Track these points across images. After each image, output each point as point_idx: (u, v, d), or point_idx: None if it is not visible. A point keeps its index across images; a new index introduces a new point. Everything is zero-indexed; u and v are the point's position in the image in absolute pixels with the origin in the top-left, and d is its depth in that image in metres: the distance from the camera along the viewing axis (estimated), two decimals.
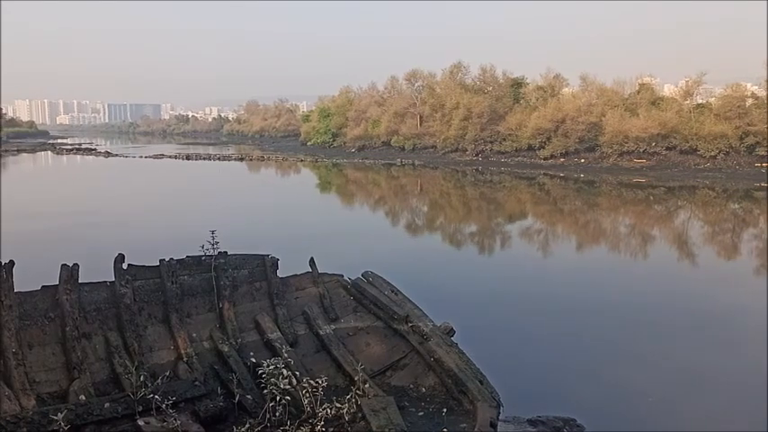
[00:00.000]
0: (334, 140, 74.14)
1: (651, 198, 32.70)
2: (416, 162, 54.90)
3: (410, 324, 7.74)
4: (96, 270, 7.63)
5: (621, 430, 7.73)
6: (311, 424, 6.65)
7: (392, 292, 8.37)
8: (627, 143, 47.77)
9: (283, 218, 25.07)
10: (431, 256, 18.40)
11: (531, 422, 7.90)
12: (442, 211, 29.94)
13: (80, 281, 7.15)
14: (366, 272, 8.76)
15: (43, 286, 6.97)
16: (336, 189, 40.38)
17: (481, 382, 6.91)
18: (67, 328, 6.80)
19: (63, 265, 7.05)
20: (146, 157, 63.23)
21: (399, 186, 40.95)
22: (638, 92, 53.30)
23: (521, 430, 7.72)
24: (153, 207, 28.18)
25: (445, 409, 6.82)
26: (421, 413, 7.02)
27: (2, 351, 6.37)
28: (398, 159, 57.01)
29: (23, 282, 6.88)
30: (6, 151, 75.66)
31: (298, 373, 7.02)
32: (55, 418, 5.42)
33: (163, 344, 7.37)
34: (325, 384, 6.89)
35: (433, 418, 6.89)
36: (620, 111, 49.54)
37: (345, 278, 8.78)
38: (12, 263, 6.67)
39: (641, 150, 47.42)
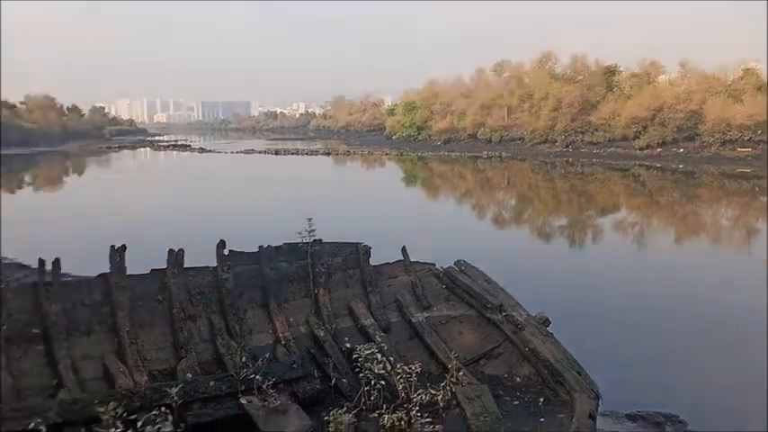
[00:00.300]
0: (419, 134, 74.16)
1: (756, 189, 30.99)
2: (503, 154, 54.19)
3: (504, 313, 7.68)
4: (199, 256, 7.95)
5: (724, 429, 7.39)
6: (406, 409, 6.71)
7: (485, 281, 8.32)
8: (730, 131, 45.42)
9: (371, 209, 25.34)
10: (520, 248, 18.14)
11: (631, 417, 7.68)
12: (531, 204, 29.45)
13: (185, 266, 7.47)
14: (458, 261, 8.74)
15: (152, 270, 7.34)
16: (422, 182, 40.40)
17: (579, 372, 6.78)
18: (174, 310, 7.14)
19: (170, 250, 7.40)
20: (237, 153, 65.25)
21: (486, 179, 40.56)
22: (742, 77, 50.54)
23: (620, 424, 7.52)
24: (247, 197, 29.07)
25: (542, 399, 6.74)
26: (516, 402, 6.96)
27: (117, 330, 6.77)
28: (485, 152, 56.43)
29: (134, 266, 7.28)
30: (109, 148, 79.85)
31: (392, 358, 7.09)
32: (169, 391, 5.71)
33: (262, 327, 7.62)
34: (419, 370, 6.94)
35: (529, 408, 6.82)
36: (723, 97, 47.12)
37: (437, 267, 8.79)
38: (124, 247, 7.06)
39: (746, 139, 44.96)
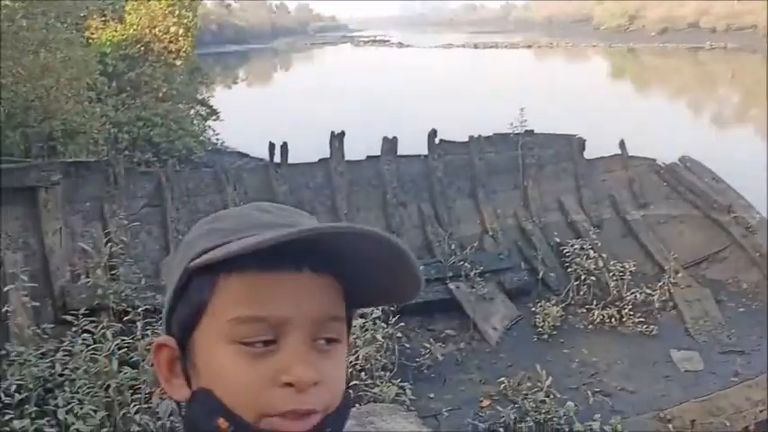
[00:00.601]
0: (630, 24, 68.33)
1: None
2: (729, 45, 48.37)
3: (733, 215, 7.06)
4: (411, 144, 8.10)
5: None
6: (617, 307, 6.55)
7: (713, 179, 7.66)
8: None
9: (578, 103, 24.13)
10: (750, 149, 16.39)
11: None
12: (758, 101, 26.31)
13: (398, 153, 7.67)
14: (683, 156, 8.07)
15: (368, 156, 7.63)
16: (633, 76, 37.59)
17: None
18: (387, 196, 7.42)
19: (384, 138, 7.61)
20: (434, 47, 64.82)
21: (705, 74, 36.77)
22: None
23: None
24: (451, 89, 28.97)
25: None
26: (741, 309, 6.50)
27: (336, 212, 7.21)
28: (707, 42, 50.77)
29: (351, 152, 7.62)
30: (313, 44, 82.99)
31: (604, 255, 6.88)
32: None
33: (469, 217, 7.69)
34: (632, 270, 6.70)
35: (756, 316, 6.35)
36: None
37: (658, 162, 8.21)
38: (343, 133, 7.38)
39: None
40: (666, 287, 6.53)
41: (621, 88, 31.92)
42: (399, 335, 5.61)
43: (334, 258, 0.73)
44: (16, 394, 4.49)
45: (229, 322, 0.71)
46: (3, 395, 4.48)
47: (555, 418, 4.82)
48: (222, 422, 0.69)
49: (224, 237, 0.73)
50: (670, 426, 4.72)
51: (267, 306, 0.71)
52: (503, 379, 5.44)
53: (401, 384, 4.93)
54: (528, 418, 4.81)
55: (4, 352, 4.91)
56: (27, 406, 4.45)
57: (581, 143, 8.18)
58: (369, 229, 0.70)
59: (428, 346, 5.86)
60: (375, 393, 4.82)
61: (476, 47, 61.95)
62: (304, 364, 0.71)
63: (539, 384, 5.14)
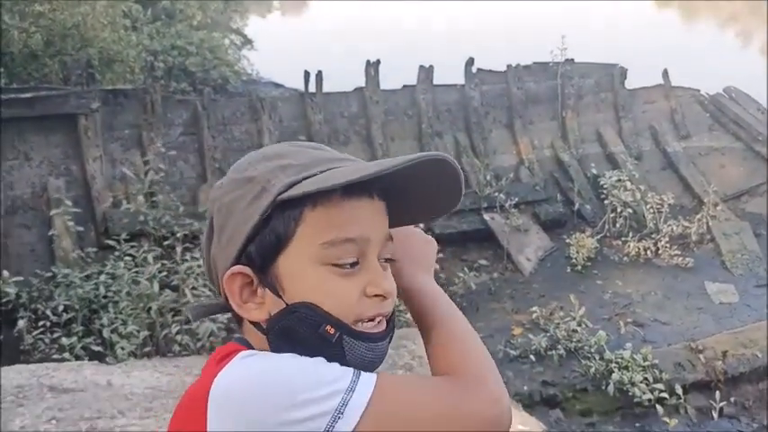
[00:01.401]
0: None
1: None
2: None
3: None
4: (448, 74, 7.93)
5: None
6: (653, 239, 6.50)
7: (758, 110, 7.42)
8: None
9: (620, 32, 23.32)
10: None
11: None
12: None
13: (434, 83, 7.54)
14: (728, 87, 7.81)
15: (404, 85, 7.51)
16: (678, 4, 36.04)
17: None
18: (423, 126, 7.34)
19: (420, 66, 7.47)
20: None
21: (757, 2, 35.02)
22: None
23: None
24: (491, 17, 28.17)
25: None
26: None
27: (371, 141, 7.18)
28: None
29: (386, 81, 7.51)
30: None
31: (642, 187, 6.79)
32: None
33: (506, 148, 7.59)
34: (671, 202, 6.62)
35: None
36: None
37: (702, 93, 7.96)
38: (378, 62, 7.25)
39: None
40: (705, 220, 6.45)
41: (667, 17, 30.68)
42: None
43: (388, 184, 0.85)
44: (64, 314, 4.69)
45: (321, 246, 0.81)
46: (51, 314, 4.68)
47: (586, 347, 4.88)
48: (330, 328, 0.81)
49: (301, 171, 0.82)
50: (701, 356, 4.75)
51: (355, 229, 0.82)
52: (535, 308, 5.49)
53: None
54: (559, 346, 4.88)
55: (50, 274, 5.10)
56: (74, 325, 4.66)
57: (622, 72, 7.93)
58: (444, 155, 0.84)
59: (462, 275, 5.91)
60: (407, 319, 4.91)
61: None
62: (387, 279, 0.85)
63: (571, 314, 5.19)
